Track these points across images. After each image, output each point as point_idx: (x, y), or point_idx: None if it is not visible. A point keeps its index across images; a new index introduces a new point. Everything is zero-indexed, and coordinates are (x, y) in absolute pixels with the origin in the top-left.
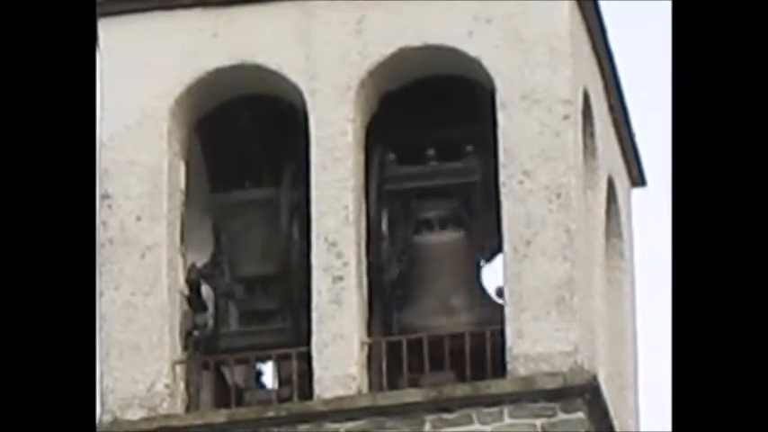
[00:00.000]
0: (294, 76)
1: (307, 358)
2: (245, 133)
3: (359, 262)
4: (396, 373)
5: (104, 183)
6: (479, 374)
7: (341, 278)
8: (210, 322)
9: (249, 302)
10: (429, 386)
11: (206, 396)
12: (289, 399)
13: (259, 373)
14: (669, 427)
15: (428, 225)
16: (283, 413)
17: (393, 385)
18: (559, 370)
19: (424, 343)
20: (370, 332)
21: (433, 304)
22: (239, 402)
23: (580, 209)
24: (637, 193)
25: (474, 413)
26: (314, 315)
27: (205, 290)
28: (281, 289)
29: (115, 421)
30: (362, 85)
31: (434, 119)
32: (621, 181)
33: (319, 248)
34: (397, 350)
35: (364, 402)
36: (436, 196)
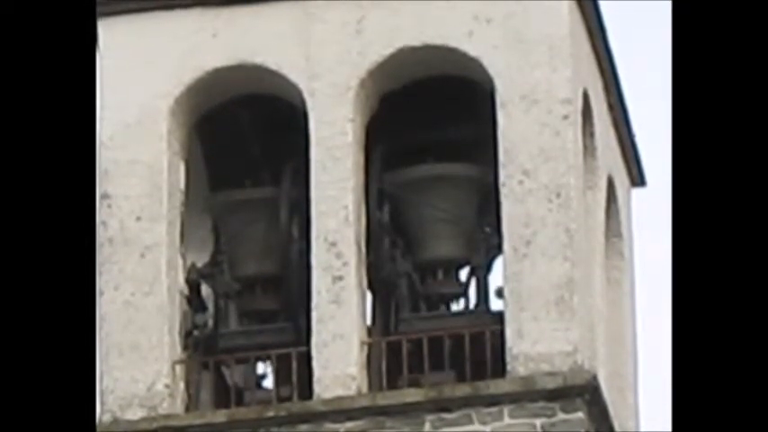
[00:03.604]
0: (294, 75)
1: (306, 358)
2: (244, 133)
3: (359, 262)
4: (395, 373)
5: (104, 183)
6: (479, 374)
7: (341, 278)
8: (210, 322)
9: (249, 302)
10: (429, 386)
11: (206, 396)
12: (288, 399)
13: (261, 375)
14: (669, 427)
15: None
16: (283, 413)
17: (393, 385)
18: (559, 370)
19: (424, 343)
20: (369, 332)
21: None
22: (239, 402)
23: (580, 209)
24: (637, 192)
25: (474, 413)
26: (314, 315)
27: (205, 290)
28: (280, 289)
29: (115, 421)
30: (362, 85)
31: (434, 119)
32: (621, 181)
33: (319, 248)
34: (396, 350)
35: (364, 402)
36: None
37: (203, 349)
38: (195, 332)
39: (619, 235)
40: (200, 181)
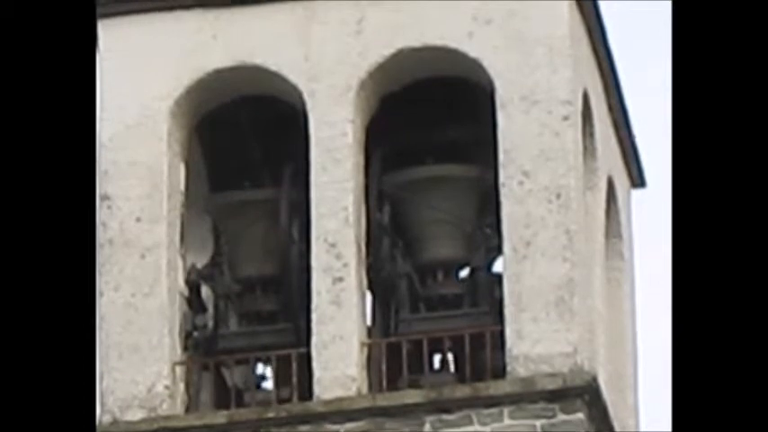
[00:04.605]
0: (294, 76)
1: (306, 359)
2: (244, 134)
3: (359, 263)
4: (395, 374)
5: (104, 184)
6: (479, 375)
7: (341, 279)
8: (210, 323)
9: (249, 303)
10: (429, 387)
11: (206, 397)
12: (288, 400)
13: (261, 376)
14: (669, 427)
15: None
16: (283, 414)
17: (393, 386)
18: (559, 371)
19: (424, 344)
20: (369, 333)
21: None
22: (239, 403)
23: (580, 209)
24: (636, 193)
25: (474, 414)
26: (313, 316)
27: (205, 291)
28: (280, 290)
29: (115, 422)
30: (362, 85)
31: (434, 120)
32: (621, 182)
33: (319, 249)
34: (396, 351)
35: (364, 403)
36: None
37: (203, 350)
38: (195, 333)
39: (619, 236)
40: (201, 182)
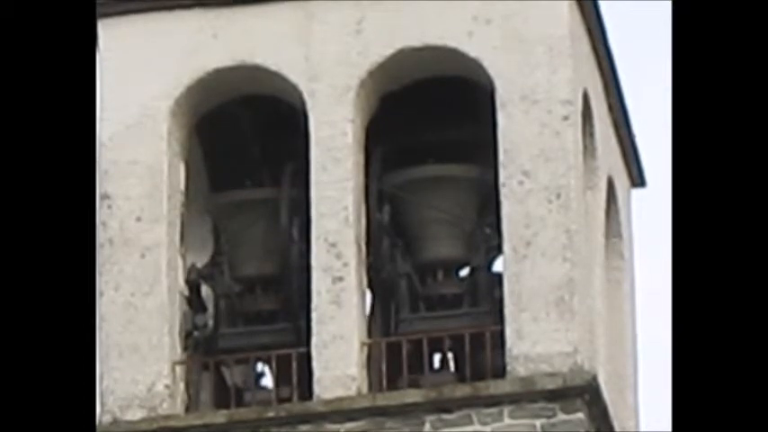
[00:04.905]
0: (294, 76)
1: (306, 359)
2: (244, 133)
3: (359, 263)
4: (395, 373)
5: (104, 183)
6: (479, 375)
7: (341, 279)
8: (210, 323)
9: (249, 303)
10: (429, 387)
11: (206, 396)
12: (288, 399)
13: (260, 375)
14: (669, 427)
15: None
16: (283, 414)
17: (393, 386)
18: (559, 370)
19: (424, 343)
20: (369, 333)
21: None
22: (239, 403)
23: (580, 209)
24: (636, 193)
25: (474, 413)
26: (314, 315)
27: (205, 290)
28: (280, 289)
29: (115, 422)
30: (362, 85)
31: (434, 119)
32: (621, 181)
33: (319, 249)
34: (396, 351)
35: (364, 403)
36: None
37: (203, 350)
38: (195, 333)
39: (619, 235)
40: (201, 181)
